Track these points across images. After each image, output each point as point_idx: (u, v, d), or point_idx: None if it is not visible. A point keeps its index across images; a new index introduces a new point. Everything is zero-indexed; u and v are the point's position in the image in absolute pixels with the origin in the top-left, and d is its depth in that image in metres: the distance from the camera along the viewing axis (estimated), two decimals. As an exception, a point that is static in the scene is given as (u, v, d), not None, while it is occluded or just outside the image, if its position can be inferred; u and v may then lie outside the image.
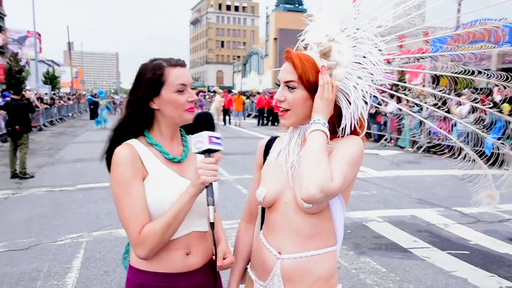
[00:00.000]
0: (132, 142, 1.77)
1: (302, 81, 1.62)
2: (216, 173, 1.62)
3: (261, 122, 25.24)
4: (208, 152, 1.62)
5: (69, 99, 34.81)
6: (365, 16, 1.69)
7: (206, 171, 1.59)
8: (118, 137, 1.79)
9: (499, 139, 1.73)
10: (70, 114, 32.03)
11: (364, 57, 1.67)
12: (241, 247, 1.91)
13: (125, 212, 1.67)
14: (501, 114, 1.69)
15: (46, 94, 30.81)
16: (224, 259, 1.83)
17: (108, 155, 1.79)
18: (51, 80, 49.92)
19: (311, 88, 1.62)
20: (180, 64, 1.77)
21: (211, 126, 1.67)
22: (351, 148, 1.61)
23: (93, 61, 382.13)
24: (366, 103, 1.65)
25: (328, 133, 1.59)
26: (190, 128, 1.84)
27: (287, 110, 1.66)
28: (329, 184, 1.49)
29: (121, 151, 1.72)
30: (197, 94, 44.10)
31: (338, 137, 1.66)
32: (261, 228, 1.84)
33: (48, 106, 24.42)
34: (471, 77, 1.68)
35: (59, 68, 61.83)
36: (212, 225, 1.62)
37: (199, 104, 26.26)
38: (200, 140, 1.62)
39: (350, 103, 1.64)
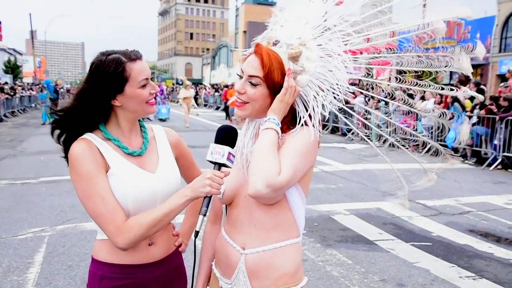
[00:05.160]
0: (89, 136, 1.72)
1: (267, 80, 1.62)
2: (221, 187, 1.61)
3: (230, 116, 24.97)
4: (219, 165, 1.62)
5: (31, 89, 33.68)
6: (335, 28, 1.72)
7: (213, 183, 1.58)
8: (72, 131, 1.72)
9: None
10: (33, 105, 31.04)
11: (330, 70, 1.69)
12: (207, 248, 1.90)
13: (97, 205, 1.63)
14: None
15: (6, 83, 29.72)
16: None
17: (65, 151, 1.72)
18: (13, 69, 48.26)
19: (273, 88, 1.64)
20: (139, 57, 1.72)
21: (233, 142, 1.66)
22: (302, 139, 1.63)
23: (58, 51, 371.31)
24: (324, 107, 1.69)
25: (280, 132, 1.62)
26: None
27: (245, 102, 1.67)
28: (275, 178, 1.51)
29: (78, 145, 1.67)
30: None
31: (291, 128, 1.68)
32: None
33: (9, 96, 23.57)
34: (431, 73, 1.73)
35: (21, 57, 59.79)
36: (196, 233, 1.61)
37: (161, 96, 25.16)
38: (220, 152, 1.61)
39: (307, 110, 1.66)
